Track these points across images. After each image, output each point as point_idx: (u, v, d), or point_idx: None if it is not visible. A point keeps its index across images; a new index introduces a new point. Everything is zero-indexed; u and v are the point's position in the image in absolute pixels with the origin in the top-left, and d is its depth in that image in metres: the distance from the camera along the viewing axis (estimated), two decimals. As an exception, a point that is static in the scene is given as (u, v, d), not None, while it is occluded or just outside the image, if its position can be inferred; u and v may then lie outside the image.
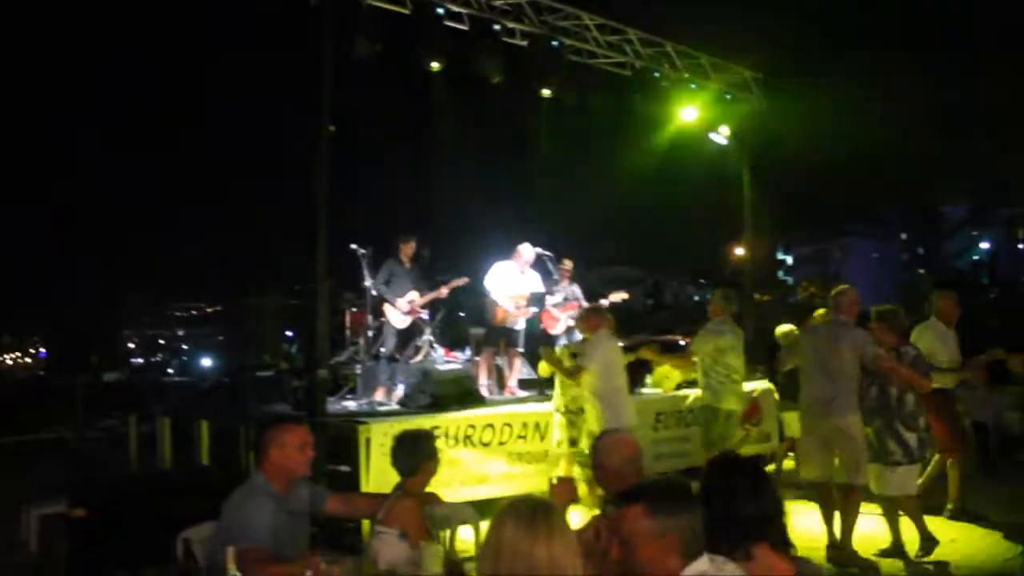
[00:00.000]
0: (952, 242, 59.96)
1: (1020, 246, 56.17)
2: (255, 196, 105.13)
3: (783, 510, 3.05)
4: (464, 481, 8.17)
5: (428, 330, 10.13)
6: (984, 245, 58.89)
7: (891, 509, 6.82)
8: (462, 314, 12.42)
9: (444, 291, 9.92)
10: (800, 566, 3.05)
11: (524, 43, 10.29)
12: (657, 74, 11.50)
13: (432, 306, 10.16)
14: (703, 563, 2.70)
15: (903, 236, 63.73)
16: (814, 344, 7.11)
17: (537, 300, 10.27)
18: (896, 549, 6.75)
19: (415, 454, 4.46)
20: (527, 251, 10.12)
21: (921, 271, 60.28)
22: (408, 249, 9.79)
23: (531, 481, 8.07)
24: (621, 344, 8.50)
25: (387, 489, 4.46)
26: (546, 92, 10.59)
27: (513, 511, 2.31)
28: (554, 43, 10.38)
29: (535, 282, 10.20)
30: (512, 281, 10.04)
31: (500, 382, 10.21)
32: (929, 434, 6.89)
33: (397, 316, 9.68)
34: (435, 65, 9.60)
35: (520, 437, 8.75)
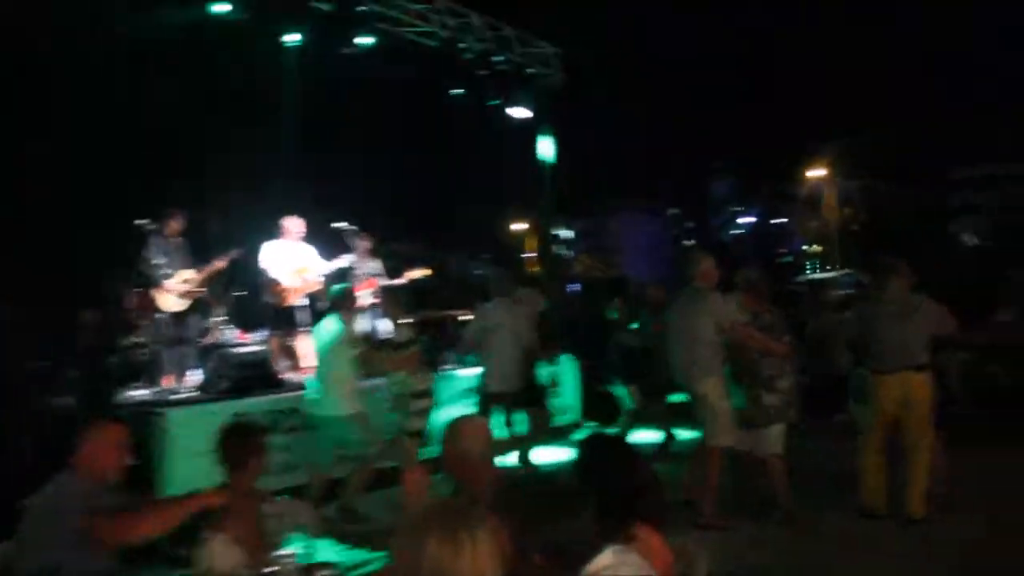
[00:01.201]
0: (717, 217, 63.63)
1: (774, 221, 60.13)
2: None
3: (657, 484, 3.02)
4: (271, 470, 7.73)
5: (218, 309, 9.50)
6: (746, 220, 62.79)
7: (770, 471, 6.93)
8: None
9: (219, 264, 9.18)
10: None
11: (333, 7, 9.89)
12: (462, 45, 11.31)
13: (218, 282, 9.48)
14: (606, 557, 2.63)
15: (674, 210, 66.81)
16: (674, 312, 7.26)
17: (340, 275, 9.81)
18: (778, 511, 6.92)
19: (243, 447, 4.07)
20: (294, 224, 9.58)
21: (690, 243, 63.58)
22: (175, 225, 9.00)
23: (341, 469, 7.72)
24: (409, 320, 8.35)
25: (188, 486, 4.07)
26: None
27: (434, 523, 2.02)
28: (362, 8, 9.99)
29: (311, 255, 9.72)
30: (288, 256, 9.53)
31: (294, 364, 9.67)
32: (791, 396, 6.98)
33: (171, 300, 8.95)
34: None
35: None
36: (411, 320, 8.38)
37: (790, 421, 6.92)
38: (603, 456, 3.06)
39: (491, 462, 3.71)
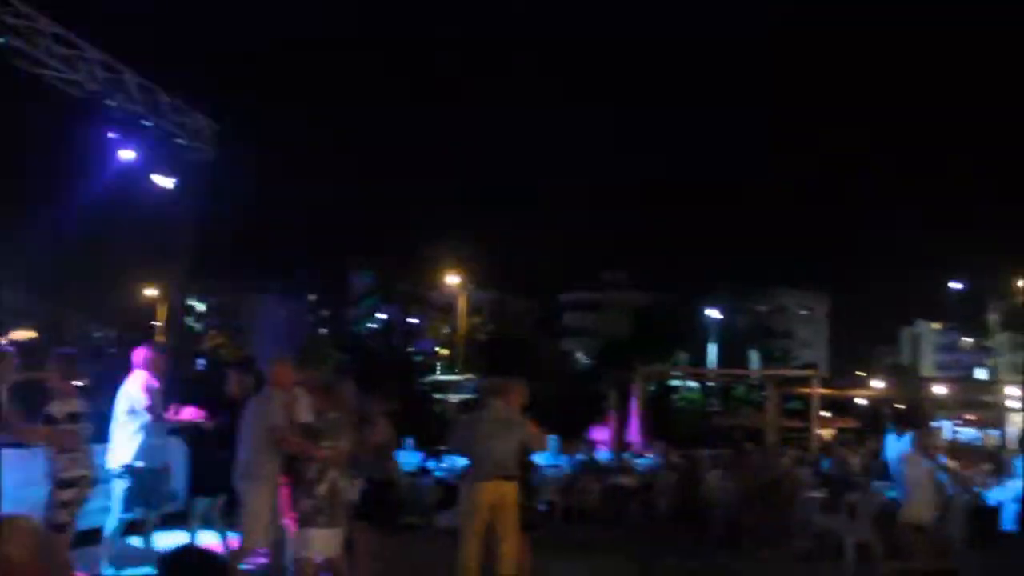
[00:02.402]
0: (355, 310, 64.30)
1: (410, 320, 61.86)
2: None
3: None
4: None
5: None
6: (381, 316, 63.97)
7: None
8: None
9: None
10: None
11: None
12: (110, 102, 10.74)
13: None
14: None
15: (312, 297, 66.74)
16: (248, 410, 7.09)
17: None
18: None
19: None
20: None
21: (323, 331, 63.53)
22: None
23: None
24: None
25: None
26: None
27: None
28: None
29: None
30: None
31: None
32: (329, 502, 6.74)
33: None
34: None
35: None
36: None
37: (330, 526, 6.72)
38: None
39: (40, 567, 3.36)
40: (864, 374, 35.42)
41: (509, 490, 7.14)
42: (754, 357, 58.80)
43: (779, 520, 11.42)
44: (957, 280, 78.71)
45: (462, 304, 48.44)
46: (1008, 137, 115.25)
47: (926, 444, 9.47)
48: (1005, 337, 72.63)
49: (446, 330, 56.11)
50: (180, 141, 11.97)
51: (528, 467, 7.49)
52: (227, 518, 8.08)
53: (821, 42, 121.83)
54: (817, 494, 11.62)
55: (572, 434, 18.64)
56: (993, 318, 75.28)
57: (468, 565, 7.20)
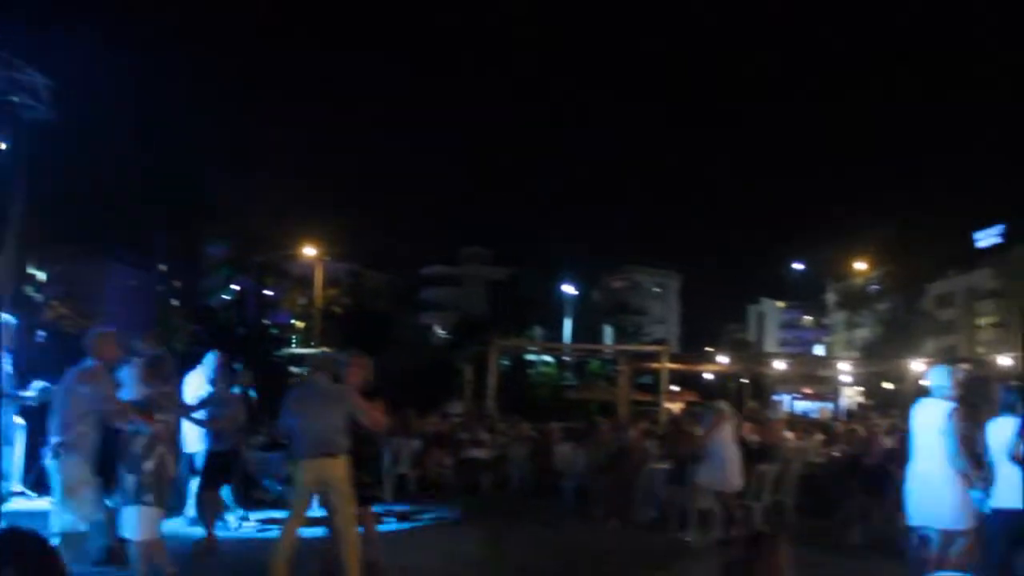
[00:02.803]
0: (208, 280, 62.40)
1: (266, 291, 60.58)
2: None
3: None
4: None
5: None
6: (235, 287, 62.37)
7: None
8: None
9: None
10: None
11: None
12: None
13: None
14: None
15: (163, 267, 64.38)
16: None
17: None
18: None
19: None
20: None
21: (175, 303, 61.45)
22: None
23: None
24: None
25: None
26: None
27: None
28: None
29: None
30: None
31: None
32: (156, 478, 6.58)
33: None
34: None
35: None
36: None
37: (154, 504, 6.56)
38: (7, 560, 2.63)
39: None
40: (712, 350, 36.81)
41: (333, 466, 6.97)
42: (608, 332, 60.28)
43: (626, 491, 11.85)
44: (799, 261, 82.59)
45: (319, 276, 47.78)
46: (846, 128, 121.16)
47: (725, 414, 10.28)
48: (841, 316, 76.71)
49: (303, 302, 55.25)
50: (13, 99, 11.31)
51: (364, 440, 7.42)
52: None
53: (666, 27, 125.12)
54: (664, 466, 12.07)
55: (429, 407, 18.78)
56: (831, 298, 79.34)
57: (283, 544, 7.02)
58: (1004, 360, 25.99)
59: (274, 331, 46.82)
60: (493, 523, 11.14)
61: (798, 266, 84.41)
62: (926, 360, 28.81)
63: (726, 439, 10.30)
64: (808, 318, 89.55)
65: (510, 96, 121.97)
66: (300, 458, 7.10)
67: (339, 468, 6.98)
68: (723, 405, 11.12)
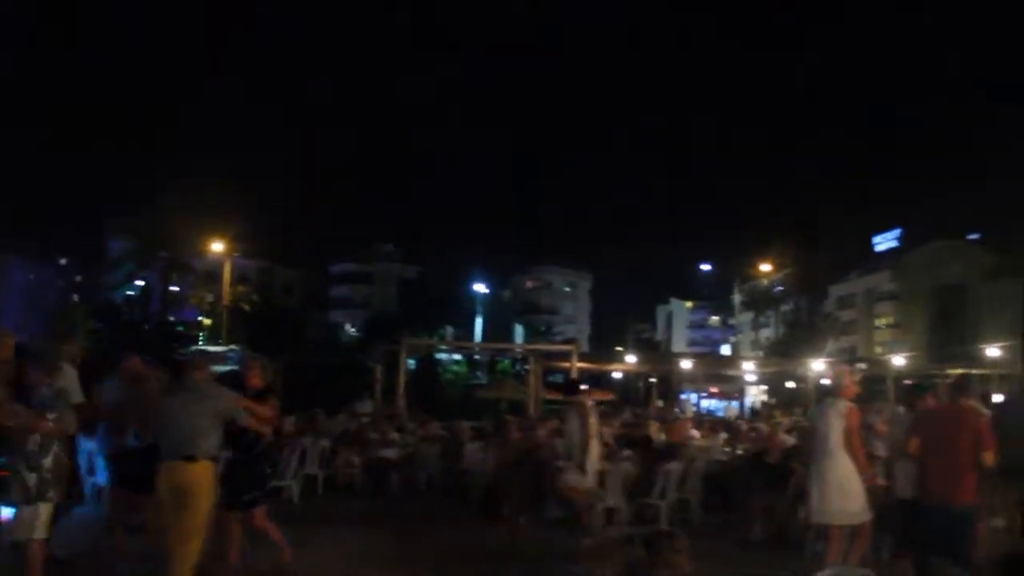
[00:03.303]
0: (111, 275, 60.76)
1: (171, 288, 59.27)
2: None
3: None
4: None
5: None
6: (139, 283, 60.89)
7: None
8: None
9: None
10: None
11: None
12: None
13: None
14: None
15: (63, 261, 62.52)
16: None
17: None
18: None
19: None
20: None
21: (75, 299, 59.74)
22: None
23: None
24: None
25: None
26: None
27: None
28: None
29: None
30: None
31: None
32: (55, 475, 6.47)
33: None
34: None
35: None
36: None
37: (51, 501, 6.43)
38: None
39: None
40: (621, 349, 37.23)
41: (191, 471, 6.54)
42: (519, 331, 60.57)
43: (536, 489, 11.89)
44: (707, 263, 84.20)
45: (227, 272, 46.94)
46: (753, 134, 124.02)
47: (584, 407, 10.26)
48: (747, 316, 78.45)
49: (210, 299, 54.21)
50: None
51: (239, 441, 7.25)
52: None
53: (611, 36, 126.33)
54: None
55: (339, 406, 18.59)
56: (737, 298, 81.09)
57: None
58: (899, 359, 26.88)
59: (179, 328, 45.87)
60: (401, 523, 11.09)
61: (706, 267, 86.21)
62: (827, 360, 29.63)
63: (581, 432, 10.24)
64: (715, 318, 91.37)
65: (424, 92, 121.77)
66: (161, 462, 6.66)
67: (197, 473, 6.56)
68: (584, 399, 11.08)
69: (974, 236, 67.07)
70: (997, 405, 12.83)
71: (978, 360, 23.83)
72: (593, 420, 10.30)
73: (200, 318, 54.73)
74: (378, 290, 69.20)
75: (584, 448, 10.04)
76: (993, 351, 23.32)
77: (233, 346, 39.03)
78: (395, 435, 15.38)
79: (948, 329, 51.09)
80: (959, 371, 16.48)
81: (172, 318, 47.56)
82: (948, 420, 7.67)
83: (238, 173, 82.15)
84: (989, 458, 7.37)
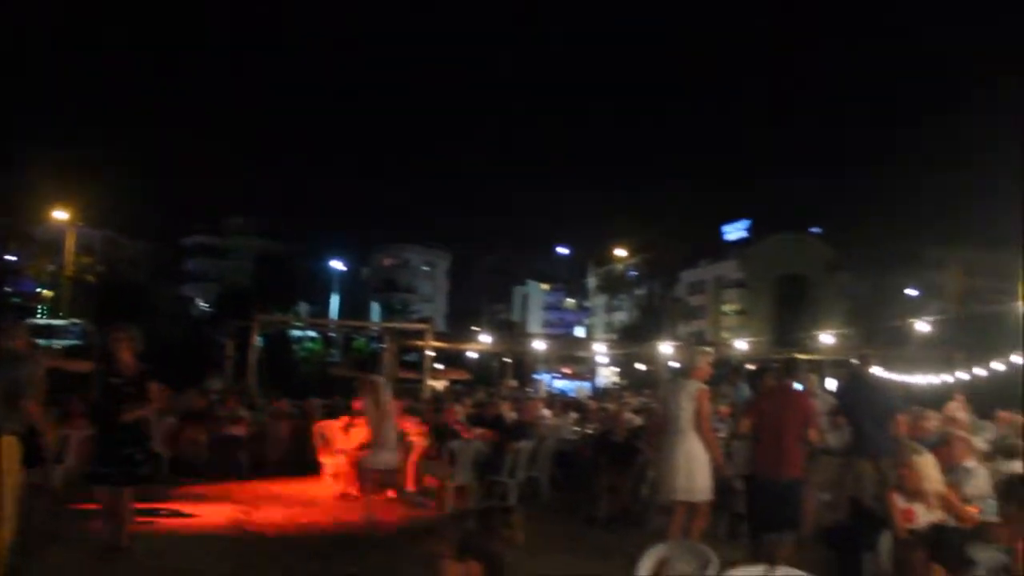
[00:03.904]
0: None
1: (7, 257, 56.17)
2: None
3: None
4: None
5: None
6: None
7: None
8: None
9: None
10: None
11: None
12: None
13: None
14: None
15: None
16: None
17: None
18: None
19: None
20: None
21: None
22: None
23: None
24: None
25: None
26: None
27: None
28: None
29: None
30: None
31: None
32: None
33: None
34: None
35: None
36: None
37: None
38: None
39: None
40: (477, 329, 37.52)
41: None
42: (376, 310, 60.21)
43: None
44: (564, 246, 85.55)
45: (70, 242, 44.82)
46: (612, 123, 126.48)
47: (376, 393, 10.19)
48: (601, 299, 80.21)
49: (51, 269, 51.59)
50: None
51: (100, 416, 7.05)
52: None
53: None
54: (423, 442, 12.24)
55: (187, 383, 18.09)
56: (592, 282, 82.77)
57: None
58: (742, 344, 28.03)
59: (16, 300, 43.57)
60: (247, 501, 10.94)
61: (563, 250, 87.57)
62: (676, 343, 30.66)
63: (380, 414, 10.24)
64: (571, 300, 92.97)
65: (285, 63, 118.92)
66: None
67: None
68: (376, 378, 11.09)
69: (816, 230, 70.55)
70: (837, 389, 13.69)
71: (814, 347, 25.06)
72: (384, 398, 10.33)
73: (39, 290, 52.06)
74: (233, 265, 67.41)
75: (380, 426, 10.12)
76: (827, 338, 24.55)
77: (75, 320, 37.37)
78: (245, 413, 15.08)
79: (789, 317, 53.47)
80: (792, 356, 17.42)
81: (8, 289, 45.14)
82: (777, 400, 8.22)
83: (86, 139, 78.43)
84: (814, 435, 7.97)
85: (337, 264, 55.20)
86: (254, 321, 21.11)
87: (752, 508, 8.31)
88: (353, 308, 52.98)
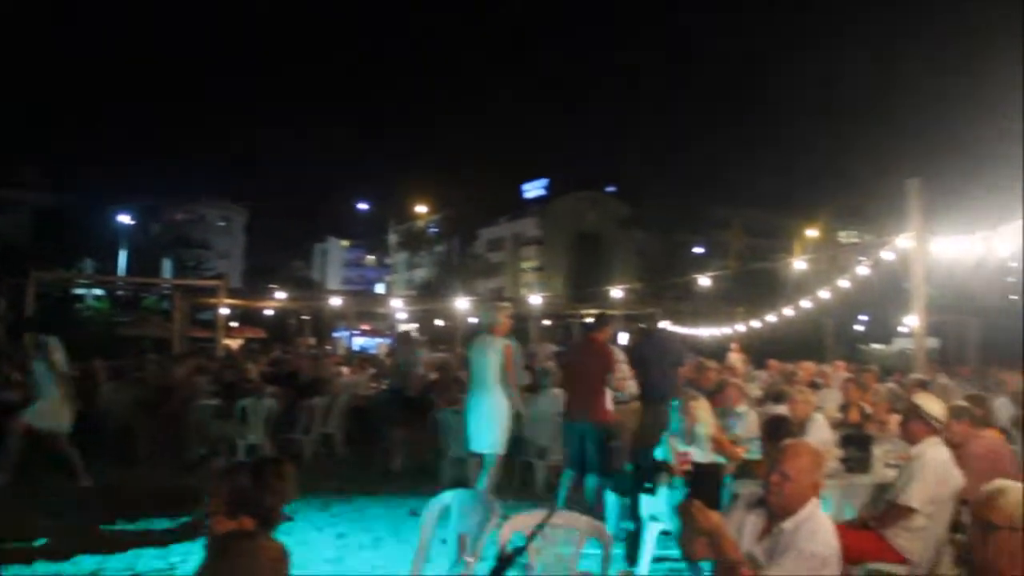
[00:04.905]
0: None
1: None
2: None
3: None
4: None
5: None
6: None
7: None
8: None
9: None
10: None
11: None
12: None
13: None
14: None
15: None
16: None
17: None
18: None
19: None
20: None
21: None
22: None
23: None
24: None
25: None
26: None
27: None
28: None
29: None
30: None
31: None
32: None
33: None
34: None
35: None
36: None
37: None
38: None
39: None
40: (275, 286, 36.51)
41: None
42: (168, 266, 57.68)
43: (174, 428, 11.51)
44: (364, 201, 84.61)
45: None
46: (418, 78, 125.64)
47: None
48: (402, 256, 80.00)
49: None
50: None
51: None
52: None
53: None
54: (213, 402, 11.89)
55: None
56: (393, 238, 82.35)
57: None
58: (537, 299, 28.67)
59: None
60: (19, 472, 10.23)
61: (363, 206, 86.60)
62: (474, 298, 31.04)
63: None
64: (371, 257, 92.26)
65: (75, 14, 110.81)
66: None
67: None
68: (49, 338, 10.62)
69: (611, 189, 72.84)
70: (628, 343, 14.47)
71: (606, 301, 25.94)
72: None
73: None
74: (7, 219, 62.63)
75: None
76: (617, 292, 25.45)
77: None
78: (18, 376, 14.12)
79: (585, 273, 55.12)
80: (594, 311, 18.05)
81: None
82: (582, 351, 8.92)
83: None
84: (611, 380, 8.60)
85: (125, 218, 52.37)
86: (30, 278, 19.78)
87: (566, 453, 8.76)
88: (144, 265, 50.33)
